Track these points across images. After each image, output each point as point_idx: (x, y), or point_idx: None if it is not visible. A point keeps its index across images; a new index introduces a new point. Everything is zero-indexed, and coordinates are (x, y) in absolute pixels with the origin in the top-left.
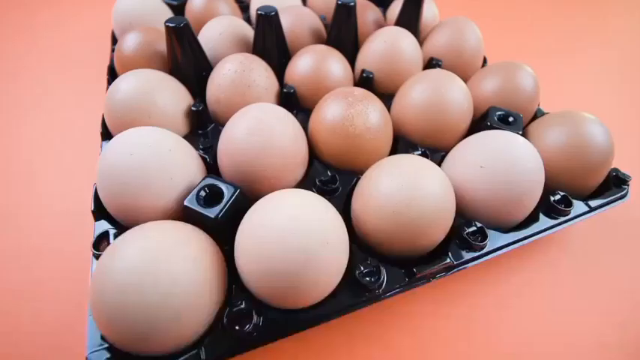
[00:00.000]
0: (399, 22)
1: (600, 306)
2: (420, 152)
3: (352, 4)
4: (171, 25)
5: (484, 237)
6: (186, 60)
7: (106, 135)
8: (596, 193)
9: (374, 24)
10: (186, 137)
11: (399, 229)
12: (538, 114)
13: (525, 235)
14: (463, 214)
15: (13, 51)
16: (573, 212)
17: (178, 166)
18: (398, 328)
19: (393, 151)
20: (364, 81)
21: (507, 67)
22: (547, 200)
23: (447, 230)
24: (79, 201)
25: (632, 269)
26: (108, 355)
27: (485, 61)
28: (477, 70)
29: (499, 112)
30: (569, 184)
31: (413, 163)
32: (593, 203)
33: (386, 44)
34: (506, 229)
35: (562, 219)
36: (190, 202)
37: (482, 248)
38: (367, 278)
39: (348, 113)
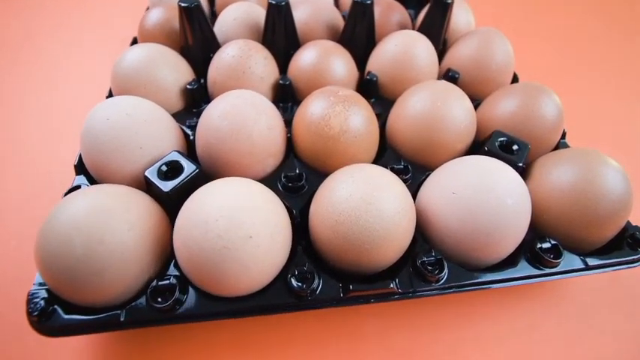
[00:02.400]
0: (422, 27)
1: None
2: (401, 166)
3: (369, 2)
4: (183, 5)
5: (441, 269)
6: (195, 40)
7: None
8: (604, 250)
9: (397, 26)
10: (178, 113)
11: (339, 241)
12: (561, 147)
13: (494, 278)
14: (428, 241)
15: (59, 16)
16: (564, 266)
17: (151, 137)
18: (327, 342)
19: (378, 161)
20: (367, 84)
21: (529, 89)
22: (533, 246)
23: (398, 252)
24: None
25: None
26: (45, 296)
27: (515, 79)
28: None
29: (502, 138)
30: (568, 233)
31: (372, 174)
32: (592, 261)
33: (397, 48)
34: (473, 267)
35: (547, 270)
36: (150, 173)
37: (438, 282)
38: (298, 283)
39: (326, 113)
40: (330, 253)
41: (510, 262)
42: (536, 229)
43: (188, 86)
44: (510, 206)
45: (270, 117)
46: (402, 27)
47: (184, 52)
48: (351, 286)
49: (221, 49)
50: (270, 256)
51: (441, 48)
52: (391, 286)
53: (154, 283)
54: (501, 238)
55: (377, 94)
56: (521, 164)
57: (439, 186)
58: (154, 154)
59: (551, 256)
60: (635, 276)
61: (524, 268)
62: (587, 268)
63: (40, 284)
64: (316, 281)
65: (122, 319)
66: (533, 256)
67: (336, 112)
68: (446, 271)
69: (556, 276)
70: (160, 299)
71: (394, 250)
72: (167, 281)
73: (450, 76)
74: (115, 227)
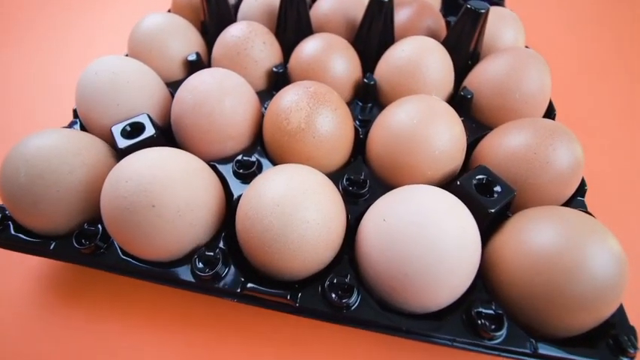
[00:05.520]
0: (450, 37)
1: None
2: (359, 179)
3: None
4: None
5: (350, 298)
6: (211, 16)
7: None
8: (572, 341)
9: (426, 31)
10: (178, 82)
11: (246, 235)
12: (574, 206)
13: (410, 328)
14: (355, 266)
15: None
16: (504, 343)
17: (130, 97)
18: (226, 334)
19: (343, 168)
20: (365, 87)
21: (541, 127)
22: (470, 308)
23: (304, 266)
24: None
25: None
26: (7, 212)
27: (551, 113)
28: None
29: (483, 175)
30: (525, 307)
31: (297, 177)
32: (546, 349)
33: (404, 54)
34: (395, 309)
35: (479, 341)
36: (115, 129)
37: (347, 309)
38: (201, 265)
39: (288, 106)
40: (242, 246)
41: (435, 316)
42: (493, 292)
43: (189, 58)
44: (441, 251)
45: (239, 100)
46: (432, 33)
47: (204, 26)
48: (248, 284)
49: (227, 28)
50: (177, 231)
51: (471, 63)
52: (289, 298)
53: (84, 226)
54: (424, 284)
55: (375, 100)
56: (492, 210)
57: (376, 209)
58: (129, 113)
59: (491, 327)
60: None
61: (452, 329)
62: (534, 355)
63: None
64: (220, 268)
65: (50, 248)
66: (468, 319)
67: (298, 107)
68: (356, 301)
69: (488, 350)
70: (83, 241)
71: (298, 262)
72: (93, 227)
73: (461, 95)
74: (57, 167)
